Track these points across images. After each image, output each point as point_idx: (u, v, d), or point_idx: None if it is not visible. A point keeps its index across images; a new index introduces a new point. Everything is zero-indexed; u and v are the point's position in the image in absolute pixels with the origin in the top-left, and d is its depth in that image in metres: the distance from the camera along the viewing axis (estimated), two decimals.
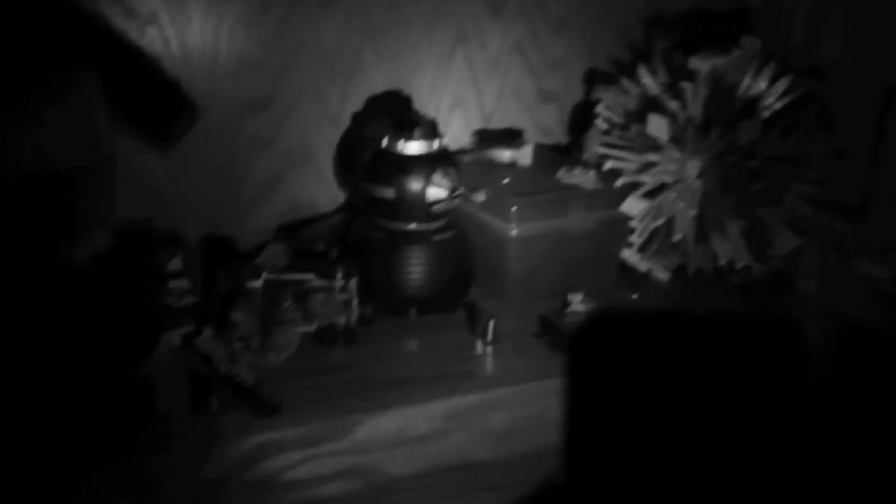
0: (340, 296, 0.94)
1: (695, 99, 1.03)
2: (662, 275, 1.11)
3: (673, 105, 1.03)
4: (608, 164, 1.07)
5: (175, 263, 0.95)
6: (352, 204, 1.16)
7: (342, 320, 0.94)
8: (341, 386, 0.87)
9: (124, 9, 0.99)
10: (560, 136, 1.27)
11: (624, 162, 1.06)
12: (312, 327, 0.93)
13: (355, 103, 1.14)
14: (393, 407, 0.85)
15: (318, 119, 1.13)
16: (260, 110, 1.10)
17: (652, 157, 1.04)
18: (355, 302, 0.94)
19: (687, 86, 1.02)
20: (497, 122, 1.22)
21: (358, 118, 1.14)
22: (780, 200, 1.05)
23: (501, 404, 0.89)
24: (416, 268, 0.98)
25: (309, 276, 0.94)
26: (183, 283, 0.94)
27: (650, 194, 1.05)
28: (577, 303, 0.99)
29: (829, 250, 1.14)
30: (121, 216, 0.97)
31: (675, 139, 1.03)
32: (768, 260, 1.08)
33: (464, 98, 1.20)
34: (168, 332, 0.88)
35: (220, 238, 1.10)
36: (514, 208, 0.99)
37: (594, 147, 1.09)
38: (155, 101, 0.99)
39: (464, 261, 1.01)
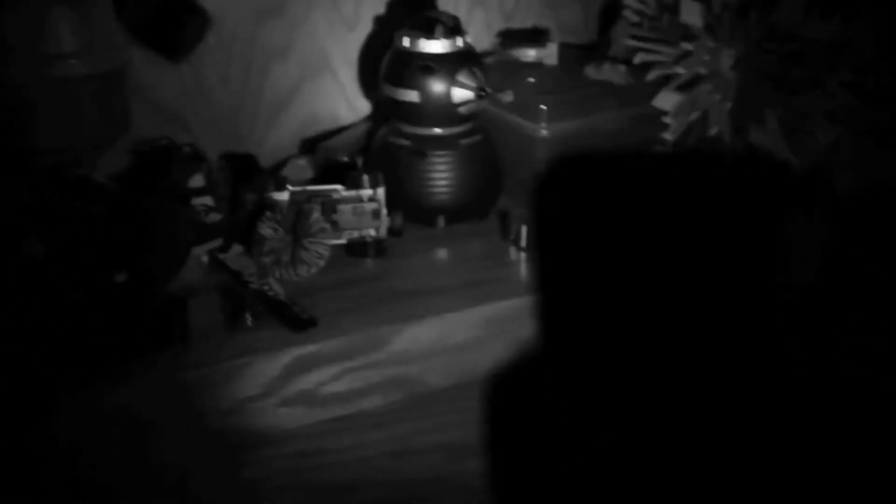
0: (369, 206, 0.91)
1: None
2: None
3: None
4: (638, 58, 1.02)
5: (196, 180, 0.92)
6: (375, 112, 1.12)
7: (371, 231, 0.91)
8: (375, 297, 0.85)
9: None
10: (584, 36, 1.22)
11: (655, 54, 1.02)
12: (342, 239, 0.90)
13: (372, 5, 1.09)
14: (428, 316, 0.83)
15: (332, 24, 1.08)
16: (273, 17, 1.05)
17: (685, 46, 0.99)
18: (384, 212, 0.91)
19: None
20: (519, 22, 1.17)
21: (376, 20, 1.09)
22: (820, 88, 1.01)
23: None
24: (443, 174, 0.94)
25: (335, 188, 0.91)
26: (207, 200, 0.92)
27: (684, 87, 1.01)
28: None
29: (868, 142, 1.10)
30: (135, 134, 0.94)
31: (710, 26, 0.98)
32: (809, 154, 1.04)
33: None
34: (196, 247, 0.86)
35: (241, 154, 1.07)
36: (543, 107, 0.95)
37: (623, 40, 1.05)
38: (164, 10, 0.94)
39: (493, 166, 0.98)
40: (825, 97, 1.00)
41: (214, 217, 0.91)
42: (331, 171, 1.01)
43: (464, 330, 0.84)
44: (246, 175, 0.98)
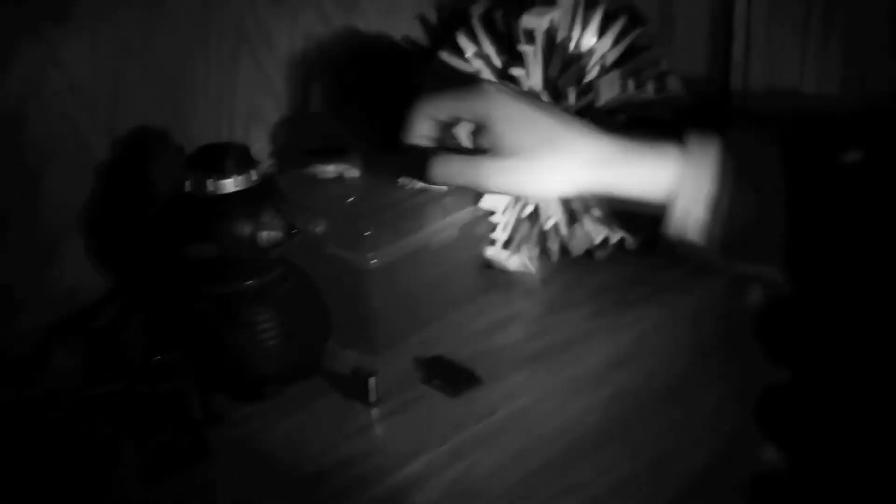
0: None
1: (536, 62, 0.89)
2: (530, 268, 0.97)
3: (516, 72, 0.88)
4: None
5: None
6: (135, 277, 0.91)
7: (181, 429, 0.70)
8: None
9: None
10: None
11: None
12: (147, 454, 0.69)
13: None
14: None
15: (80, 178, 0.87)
16: None
17: None
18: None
19: (527, 48, 0.88)
20: (303, 130, 1.01)
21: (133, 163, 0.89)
22: None
23: (418, 478, 0.71)
24: (266, 333, 0.76)
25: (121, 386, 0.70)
26: None
27: None
28: None
29: None
30: None
31: None
32: (641, 228, 0.97)
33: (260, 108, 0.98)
34: None
35: None
36: (367, 233, 0.80)
37: None
38: None
39: (317, 310, 0.81)
40: None
41: None
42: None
43: None
44: None
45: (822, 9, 0.98)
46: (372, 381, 0.76)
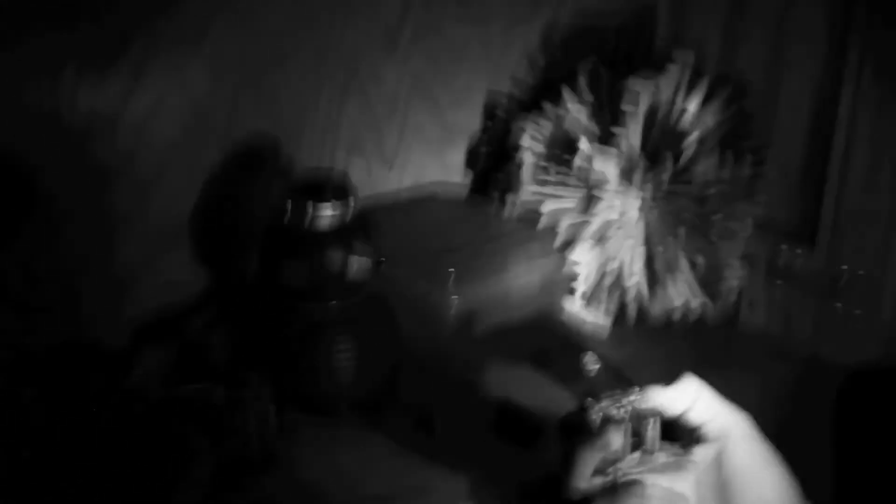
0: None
1: (637, 123, 0.91)
2: (605, 324, 0.98)
3: (619, 131, 0.89)
4: (548, 205, 0.92)
5: None
6: (228, 288, 0.96)
7: (254, 438, 0.74)
8: None
9: None
10: (468, 176, 1.12)
11: (564, 200, 0.93)
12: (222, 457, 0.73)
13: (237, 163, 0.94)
14: None
15: (191, 188, 0.92)
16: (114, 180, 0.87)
17: (598, 192, 0.90)
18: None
19: (632, 108, 0.89)
20: (399, 165, 1.05)
21: (242, 182, 0.94)
22: (731, 231, 0.94)
23: None
24: (342, 354, 0.79)
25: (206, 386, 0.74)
26: None
27: (595, 235, 0.92)
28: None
29: (777, 277, 1.05)
30: None
31: (623, 172, 0.90)
32: (720, 296, 0.97)
33: (361, 142, 1.02)
34: None
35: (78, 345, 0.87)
36: (451, 270, 0.83)
37: (528, 187, 0.95)
38: None
39: (394, 340, 0.84)
40: (738, 242, 0.94)
41: None
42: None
43: None
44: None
45: None
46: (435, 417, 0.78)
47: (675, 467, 0.56)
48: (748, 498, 0.55)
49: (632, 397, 0.58)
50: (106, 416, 0.72)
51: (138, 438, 0.69)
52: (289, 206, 0.77)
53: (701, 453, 0.56)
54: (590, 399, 0.59)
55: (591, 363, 0.63)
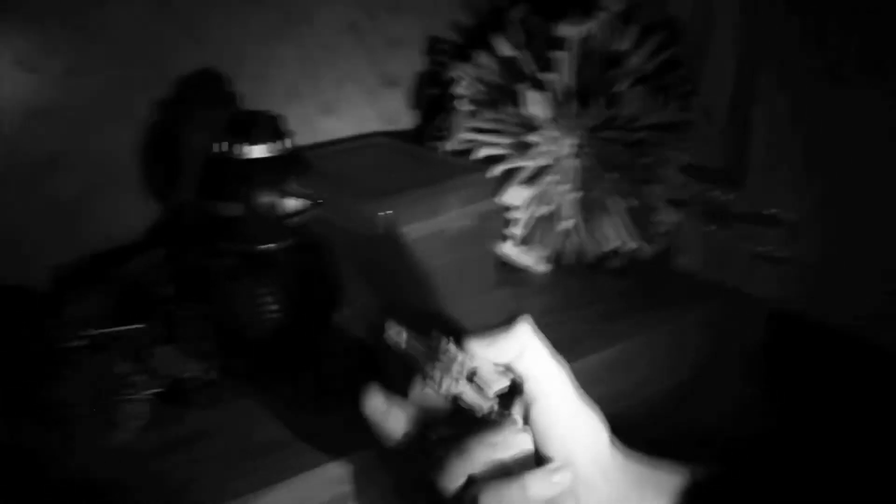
0: (187, 345, 0.75)
1: (569, 69, 0.92)
2: (542, 266, 1.00)
3: (549, 77, 0.91)
4: (481, 152, 0.94)
5: None
6: (170, 227, 0.95)
7: (194, 374, 0.75)
8: (215, 459, 0.68)
9: None
10: (405, 123, 1.13)
11: (497, 147, 0.94)
12: (160, 388, 0.73)
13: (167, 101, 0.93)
14: (286, 476, 0.67)
15: (120, 125, 0.91)
16: (42, 120, 0.86)
17: (529, 138, 0.92)
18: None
19: (560, 55, 0.91)
20: (340, 114, 1.05)
21: (175, 119, 0.94)
22: (661, 174, 0.97)
23: None
24: (265, 298, 0.79)
25: (142, 326, 0.74)
26: None
27: (530, 179, 0.94)
28: None
29: (709, 221, 1.08)
30: None
31: (555, 116, 0.91)
32: (654, 238, 0.99)
33: (298, 87, 1.02)
34: None
35: (10, 287, 0.87)
36: (383, 212, 0.83)
37: (460, 133, 0.96)
38: None
39: (329, 283, 0.84)
40: (668, 185, 0.97)
41: None
42: (130, 304, 0.83)
43: (328, 486, 0.69)
44: (18, 315, 0.78)
45: None
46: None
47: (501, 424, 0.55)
48: (566, 444, 0.54)
49: (458, 358, 0.55)
50: (37, 354, 0.72)
51: (71, 374, 0.69)
52: (223, 144, 0.77)
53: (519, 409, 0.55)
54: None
55: (395, 334, 0.57)
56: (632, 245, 0.97)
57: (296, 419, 0.73)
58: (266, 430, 0.72)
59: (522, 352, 0.55)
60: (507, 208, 0.94)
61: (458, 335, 0.56)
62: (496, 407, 0.55)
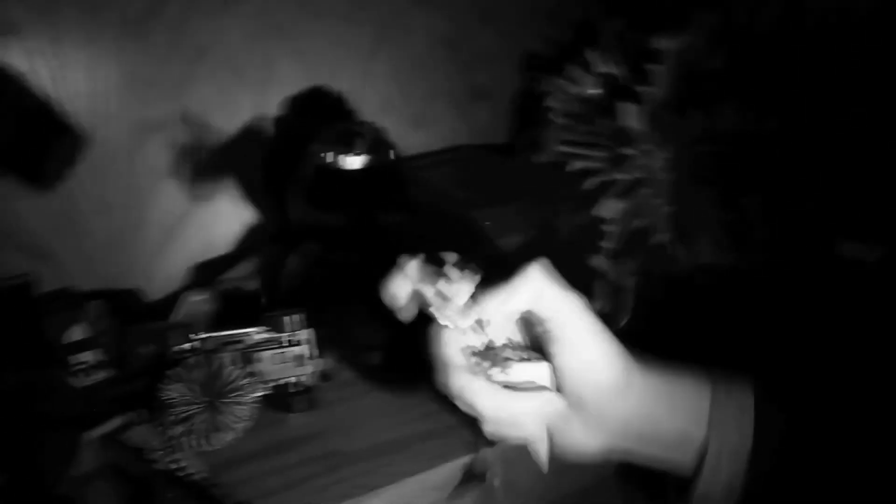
0: (291, 350, 0.76)
1: (663, 81, 0.92)
2: (628, 281, 0.99)
3: (645, 90, 0.91)
4: (577, 164, 0.94)
5: (76, 332, 0.75)
6: (279, 233, 0.98)
7: (298, 379, 0.76)
8: (313, 464, 0.70)
9: None
10: (495, 136, 1.14)
11: (590, 160, 0.94)
12: (264, 392, 0.75)
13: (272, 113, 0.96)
14: (383, 485, 0.68)
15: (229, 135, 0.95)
16: (157, 132, 0.90)
17: (623, 150, 0.92)
18: (313, 354, 0.77)
19: (658, 68, 0.91)
20: (429, 126, 1.07)
21: (282, 130, 0.96)
22: (759, 186, 0.96)
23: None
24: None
25: (247, 331, 0.76)
26: (89, 356, 0.75)
27: (624, 193, 0.94)
28: None
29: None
30: None
31: (650, 129, 0.91)
32: (750, 254, 0.98)
33: (391, 99, 1.04)
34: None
35: (121, 292, 0.90)
36: (487, 223, 0.85)
37: (553, 146, 0.96)
38: (26, 129, 0.78)
39: None
40: (767, 199, 0.96)
41: (99, 375, 0.75)
42: (234, 308, 0.86)
43: (428, 494, 0.70)
44: (131, 318, 0.81)
45: None
46: None
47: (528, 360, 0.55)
48: (580, 368, 0.55)
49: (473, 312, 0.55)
50: (149, 357, 0.75)
51: (184, 378, 0.72)
52: (327, 155, 0.79)
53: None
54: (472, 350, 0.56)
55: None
56: (727, 260, 0.96)
57: (394, 427, 0.75)
58: (364, 436, 0.74)
59: (540, 294, 0.55)
60: (601, 221, 0.94)
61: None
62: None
